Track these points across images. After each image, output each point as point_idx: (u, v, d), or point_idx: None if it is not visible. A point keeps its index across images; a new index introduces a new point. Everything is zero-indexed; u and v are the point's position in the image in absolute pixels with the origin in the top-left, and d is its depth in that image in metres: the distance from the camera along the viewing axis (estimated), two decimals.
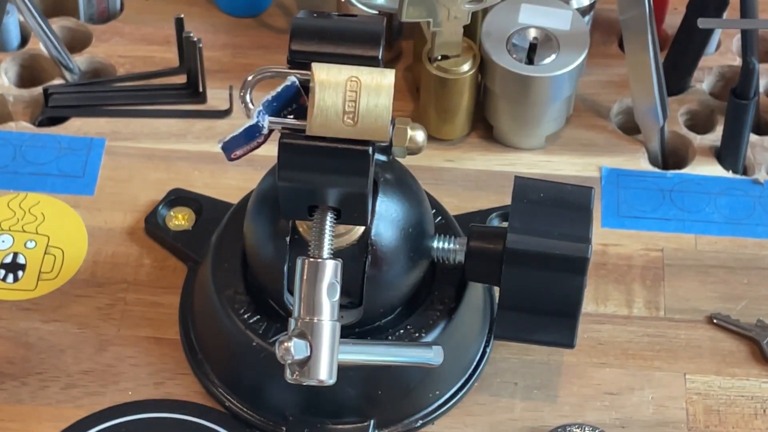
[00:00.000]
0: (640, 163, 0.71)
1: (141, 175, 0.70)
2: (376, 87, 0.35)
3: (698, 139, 0.72)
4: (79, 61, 0.76)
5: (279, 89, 0.36)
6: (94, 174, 0.70)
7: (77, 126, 0.72)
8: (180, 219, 0.67)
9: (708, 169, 0.71)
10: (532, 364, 0.62)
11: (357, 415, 0.59)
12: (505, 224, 0.65)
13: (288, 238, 0.55)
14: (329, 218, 0.48)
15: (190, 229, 0.66)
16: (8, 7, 0.75)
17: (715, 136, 0.72)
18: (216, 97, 0.73)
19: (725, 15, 0.71)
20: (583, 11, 0.72)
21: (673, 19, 0.75)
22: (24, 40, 0.77)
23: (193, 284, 0.64)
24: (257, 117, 0.36)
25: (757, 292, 0.65)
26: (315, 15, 0.38)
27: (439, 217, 0.62)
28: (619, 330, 0.64)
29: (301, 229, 0.55)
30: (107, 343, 0.62)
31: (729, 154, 0.70)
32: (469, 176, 0.70)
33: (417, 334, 0.58)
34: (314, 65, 0.35)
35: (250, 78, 0.36)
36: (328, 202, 0.47)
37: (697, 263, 0.66)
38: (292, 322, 0.50)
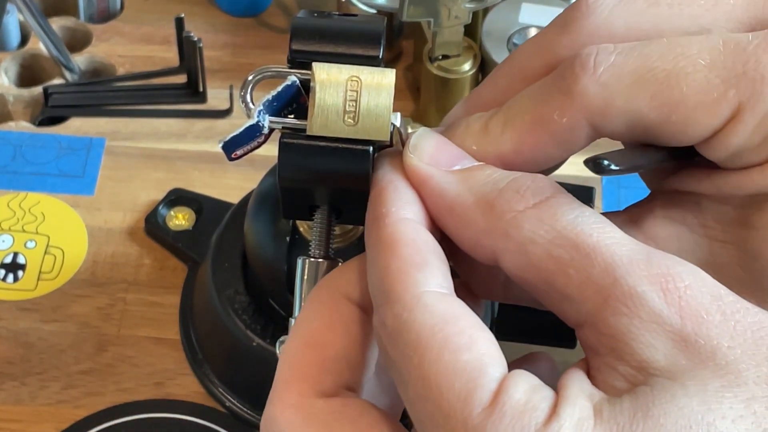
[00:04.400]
0: None
1: (141, 175, 0.69)
2: (376, 86, 0.35)
3: None
4: (79, 60, 0.76)
5: (279, 89, 0.36)
6: (94, 174, 0.70)
7: (77, 126, 0.72)
8: (180, 219, 0.67)
9: None
10: None
11: None
12: None
13: (288, 238, 0.55)
14: (329, 218, 0.48)
15: (191, 229, 0.66)
16: (8, 6, 0.75)
17: None
18: (216, 96, 0.73)
19: None
20: None
21: None
22: (24, 40, 0.77)
23: (193, 284, 0.64)
24: (257, 117, 0.36)
25: None
26: (315, 14, 0.38)
27: None
28: None
29: (301, 229, 0.55)
30: (107, 343, 0.62)
31: None
32: None
33: None
34: (315, 65, 0.35)
35: (250, 77, 0.36)
36: (329, 202, 0.46)
37: None
38: (292, 322, 0.50)
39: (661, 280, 0.31)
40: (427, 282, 0.32)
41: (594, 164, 0.34)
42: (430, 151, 0.35)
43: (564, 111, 0.34)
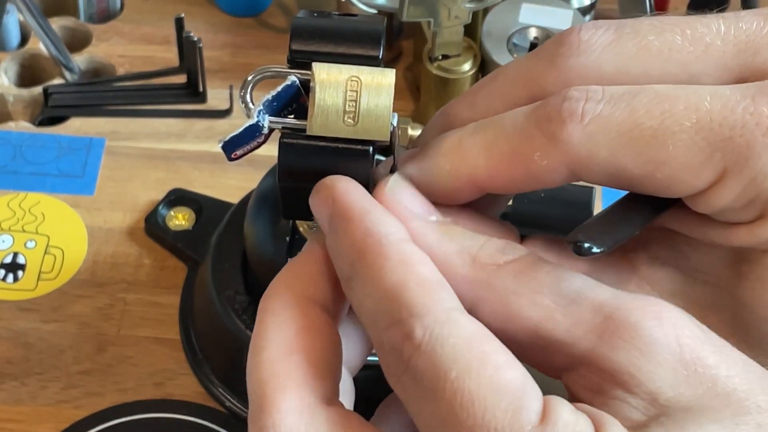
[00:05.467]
0: None
1: (141, 175, 0.69)
2: (376, 86, 0.35)
3: None
4: (79, 60, 0.76)
5: (279, 89, 0.36)
6: (93, 174, 0.70)
7: (77, 126, 0.72)
8: (180, 219, 0.67)
9: None
10: None
11: None
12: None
13: (288, 238, 0.55)
14: None
15: (190, 229, 0.66)
16: (8, 6, 0.75)
17: None
18: (216, 96, 0.73)
19: None
20: (584, 11, 0.72)
21: None
22: (24, 40, 0.77)
23: (193, 284, 0.64)
24: (257, 117, 0.36)
25: None
26: (315, 14, 0.38)
27: None
28: None
29: (301, 229, 0.55)
30: (107, 343, 0.62)
31: None
32: None
33: None
34: (315, 65, 0.35)
35: (250, 78, 0.36)
36: None
37: None
38: None
39: (653, 309, 0.31)
40: (451, 300, 0.32)
41: (575, 247, 0.33)
42: (407, 196, 0.35)
43: (545, 154, 0.34)
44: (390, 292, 0.32)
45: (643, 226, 0.36)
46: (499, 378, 0.30)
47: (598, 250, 0.33)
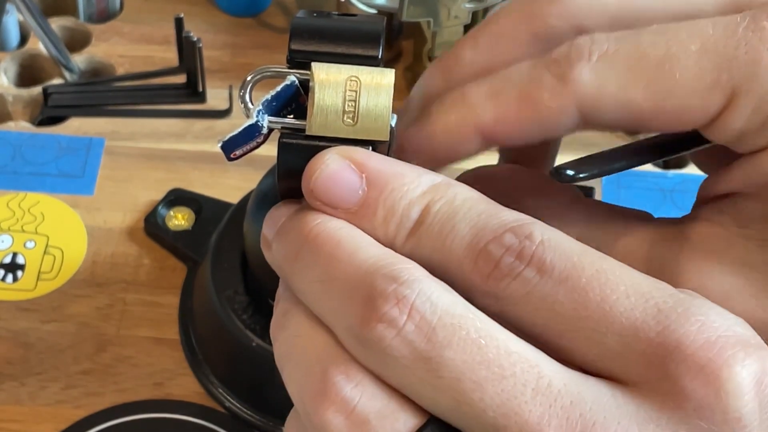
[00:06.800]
0: None
1: (140, 175, 0.69)
2: (375, 87, 0.35)
3: None
4: (79, 60, 0.76)
5: (278, 89, 0.36)
6: (93, 174, 0.70)
7: (77, 126, 0.72)
8: (180, 219, 0.67)
9: None
10: None
11: None
12: None
13: None
14: None
15: (190, 229, 0.66)
16: (8, 6, 0.75)
17: None
18: (216, 96, 0.73)
19: None
20: None
21: None
22: (23, 40, 0.77)
23: (193, 284, 0.64)
24: (256, 116, 0.35)
25: None
26: (315, 14, 0.38)
27: None
28: None
29: None
30: (107, 343, 0.62)
31: None
32: None
33: None
34: (314, 65, 0.35)
35: (249, 77, 0.36)
36: None
37: None
38: None
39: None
40: None
41: (556, 174, 0.34)
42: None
43: (555, 95, 0.34)
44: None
45: (638, 164, 0.36)
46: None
47: (571, 173, 0.34)
